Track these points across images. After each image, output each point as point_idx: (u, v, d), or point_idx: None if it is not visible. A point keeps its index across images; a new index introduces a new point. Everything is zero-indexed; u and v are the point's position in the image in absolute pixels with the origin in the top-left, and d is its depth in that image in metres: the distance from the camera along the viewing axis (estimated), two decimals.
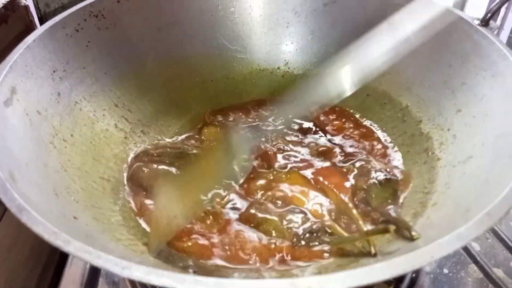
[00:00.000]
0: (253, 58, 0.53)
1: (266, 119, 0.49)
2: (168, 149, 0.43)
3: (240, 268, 0.34)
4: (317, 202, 0.39)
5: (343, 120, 0.49)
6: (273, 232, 0.36)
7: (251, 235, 0.36)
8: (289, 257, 0.35)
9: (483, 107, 0.37)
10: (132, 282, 0.41)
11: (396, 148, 0.45)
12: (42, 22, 0.53)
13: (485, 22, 0.39)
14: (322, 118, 0.49)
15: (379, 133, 0.47)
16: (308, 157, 0.44)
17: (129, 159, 0.43)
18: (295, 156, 0.44)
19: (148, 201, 0.40)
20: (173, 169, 0.42)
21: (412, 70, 0.45)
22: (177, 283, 0.21)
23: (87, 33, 0.43)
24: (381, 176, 0.40)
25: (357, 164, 0.42)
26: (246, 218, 0.38)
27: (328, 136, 0.47)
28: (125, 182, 0.41)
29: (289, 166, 0.43)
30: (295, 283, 0.20)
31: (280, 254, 0.35)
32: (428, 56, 0.43)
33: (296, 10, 0.52)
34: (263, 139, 0.41)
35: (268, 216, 0.37)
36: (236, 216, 0.38)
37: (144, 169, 0.41)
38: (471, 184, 0.33)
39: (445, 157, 0.39)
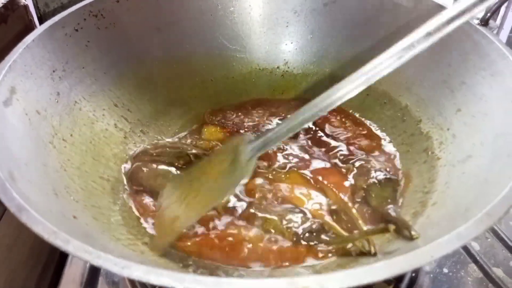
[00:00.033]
0: (252, 57, 0.53)
1: (272, 121, 0.49)
2: (167, 148, 0.43)
3: (240, 268, 0.34)
4: (316, 201, 0.39)
5: (343, 119, 0.49)
6: (273, 231, 0.36)
7: (251, 234, 0.36)
8: (288, 257, 0.35)
9: (483, 107, 0.37)
10: (132, 282, 0.41)
11: (395, 148, 0.45)
12: (41, 21, 0.53)
13: (484, 22, 0.39)
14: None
15: (379, 133, 0.47)
16: (307, 156, 0.44)
17: (128, 158, 0.43)
18: (295, 156, 0.44)
19: (147, 200, 0.40)
20: (173, 169, 0.42)
21: (411, 70, 0.45)
22: (176, 282, 0.21)
23: (86, 32, 0.43)
24: (380, 175, 0.40)
25: (357, 164, 0.42)
26: (246, 218, 0.38)
27: (328, 136, 0.47)
28: (125, 181, 0.41)
29: (289, 165, 0.43)
30: (294, 283, 0.20)
31: (280, 254, 0.35)
32: (427, 55, 0.43)
33: (296, 9, 0.52)
34: None
35: (267, 216, 0.37)
36: (236, 215, 0.38)
37: (144, 168, 0.41)
38: (471, 183, 0.33)
39: (444, 156, 0.39)
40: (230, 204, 0.39)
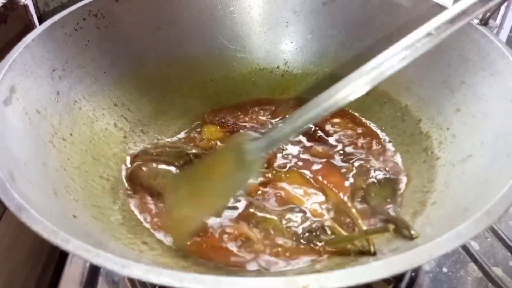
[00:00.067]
0: (252, 57, 0.53)
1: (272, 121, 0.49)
2: (167, 148, 0.44)
3: (240, 267, 0.34)
4: (316, 201, 0.39)
5: (343, 119, 0.49)
6: (272, 231, 0.36)
7: (251, 234, 0.36)
8: (288, 256, 0.35)
9: (482, 106, 0.37)
10: (132, 281, 0.41)
11: (395, 147, 0.45)
12: (41, 21, 0.53)
13: (484, 21, 0.39)
14: None
15: (379, 133, 0.47)
16: (307, 156, 0.44)
17: (128, 158, 0.43)
18: (295, 156, 0.44)
19: (147, 199, 0.40)
20: (173, 168, 0.42)
21: (411, 70, 0.45)
22: (176, 282, 0.21)
23: (86, 32, 0.43)
24: (380, 175, 0.40)
25: (356, 164, 0.42)
26: (245, 217, 0.38)
27: (328, 135, 0.47)
28: (125, 181, 0.41)
29: (289, 165, 0.43)
30: (294, 281, 0.20)
31: (280, 253, 0.35)
32: (427, 55, 0.43)
33: (296, 9, 0.52)
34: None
35: (267, 215, 0.37)
36: (236, 215, 0.38)
37: (143, 168, 0.41)
38: (470, 183, 0.33)
39: (444, 156, 0.39)
40: (230, 204, 0.39)
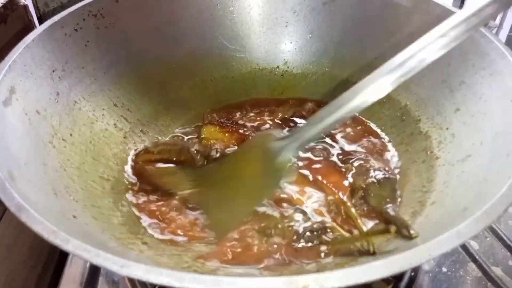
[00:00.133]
0: (252, 57, 0.53)
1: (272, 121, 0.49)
2: (168, 146, 0.44)
3: (240, 267, 0.34)
4: (316, 201, 0.39)
5: None
6: (273, 230, 0.36)
7: (251, 233, 0.36)
8: (288, 256, 0.35)
9: (482, 106, 0.37)
10: (132, 281, 0.41)
11: (395, 147, 0.45)
12: (41, 21, 0.53)
13: None
14: None
15: (378, 132, 0.47)
16: (307, 156, 0.44)
17: (130, 158, 0.43)
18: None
19: (153, 198, 0.40)
20: (179, 167, 0.42)
21: None
22: (176, 281, 0.21)
23: (86, 32, 0.43)
24: (379, 175, 0.40)
25: (356, 163, 0.42)
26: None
27: (327, 135, 0.47)
28: (126, 181, 0.41)
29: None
30: (294, 281, 0.20)
31: (280, 253, 0.35)
32: None
33: (295, 9, 0.52)
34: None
35: (268, 213, 0.37)
36: None
37: (152, 168, 0.42)
38: (470, 182, 0.33)
39: (443, 156, 0.39)
40: None
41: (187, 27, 0.50)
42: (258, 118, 0.50)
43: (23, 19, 0.48)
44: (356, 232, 0.37)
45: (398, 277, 0.40)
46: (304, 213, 0.38)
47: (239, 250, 0.35)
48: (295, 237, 0.36)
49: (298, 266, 0.34)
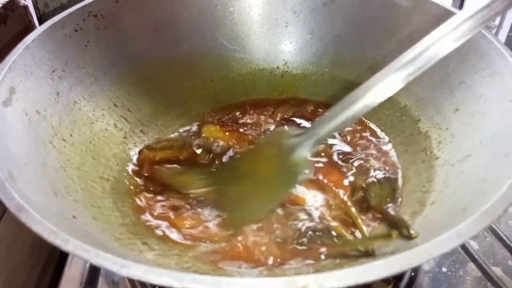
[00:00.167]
0: (252, 57, 0.53)
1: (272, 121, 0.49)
2: (170, 142, 0.44)
3: (239, 266, 0.34)
4: (316, 200, 0.39)
5: None
6: (274, 230, 0.36)
7: (251, 233, 0.36)
8: (288, 256, 0.35)
9: (481, 106, 0.37)
10: (132, 281, 0.41)
11: (394, 147, 0.45)
12: (41, 22, 0.53)
13: None
14: None
15: (378, 132, 0.47)
16: None
17: (133, 157, 0.43)
18: None
19: (153, 198, 0.40)
20: (186, 167, 0.42)
21: None
22: (176, 282, 0.21)
23: (86, 33, 0.43)
24: (380, 174, 0.40)
25: (356, 163, 0.42)
26: None
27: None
28: (126, 181, 0.41)
29: None
30: (294, 281, 0.20)
31: (280, 252, 0.35)
32: None
33: (295, 9, 0.52)
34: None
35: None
36: None
37: (162, 168, 0.42)
38: (469, 182, 0.33)
39: (443, 156, 0.39)
40: None
41: (187, 27, 0.50)
42: (258, 118, 0.50)
43: (23, 19, 0.48)
44: (357, 233, 0.37)
45: (398, 277, 0.40)
46: (304, 212, 0.38)
47: (239, 250, 0.35)
48: (295, 237, 0.36)
49: (298, 266, 0.34)
